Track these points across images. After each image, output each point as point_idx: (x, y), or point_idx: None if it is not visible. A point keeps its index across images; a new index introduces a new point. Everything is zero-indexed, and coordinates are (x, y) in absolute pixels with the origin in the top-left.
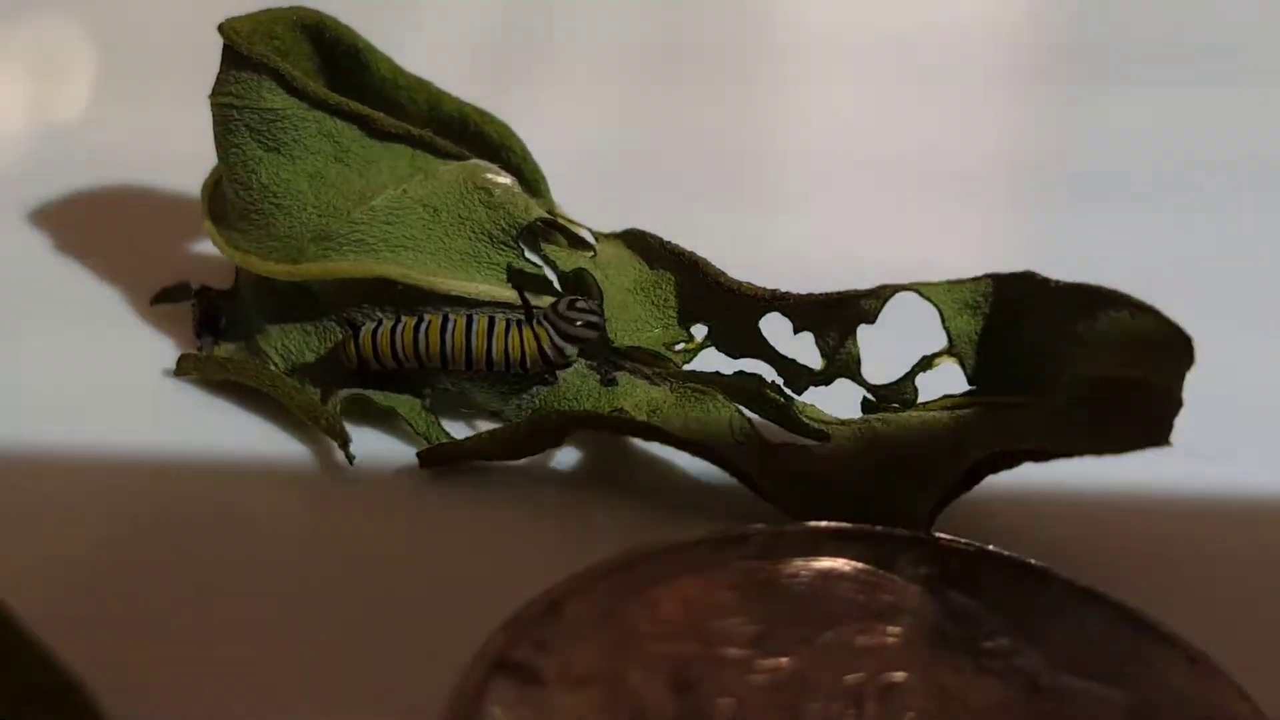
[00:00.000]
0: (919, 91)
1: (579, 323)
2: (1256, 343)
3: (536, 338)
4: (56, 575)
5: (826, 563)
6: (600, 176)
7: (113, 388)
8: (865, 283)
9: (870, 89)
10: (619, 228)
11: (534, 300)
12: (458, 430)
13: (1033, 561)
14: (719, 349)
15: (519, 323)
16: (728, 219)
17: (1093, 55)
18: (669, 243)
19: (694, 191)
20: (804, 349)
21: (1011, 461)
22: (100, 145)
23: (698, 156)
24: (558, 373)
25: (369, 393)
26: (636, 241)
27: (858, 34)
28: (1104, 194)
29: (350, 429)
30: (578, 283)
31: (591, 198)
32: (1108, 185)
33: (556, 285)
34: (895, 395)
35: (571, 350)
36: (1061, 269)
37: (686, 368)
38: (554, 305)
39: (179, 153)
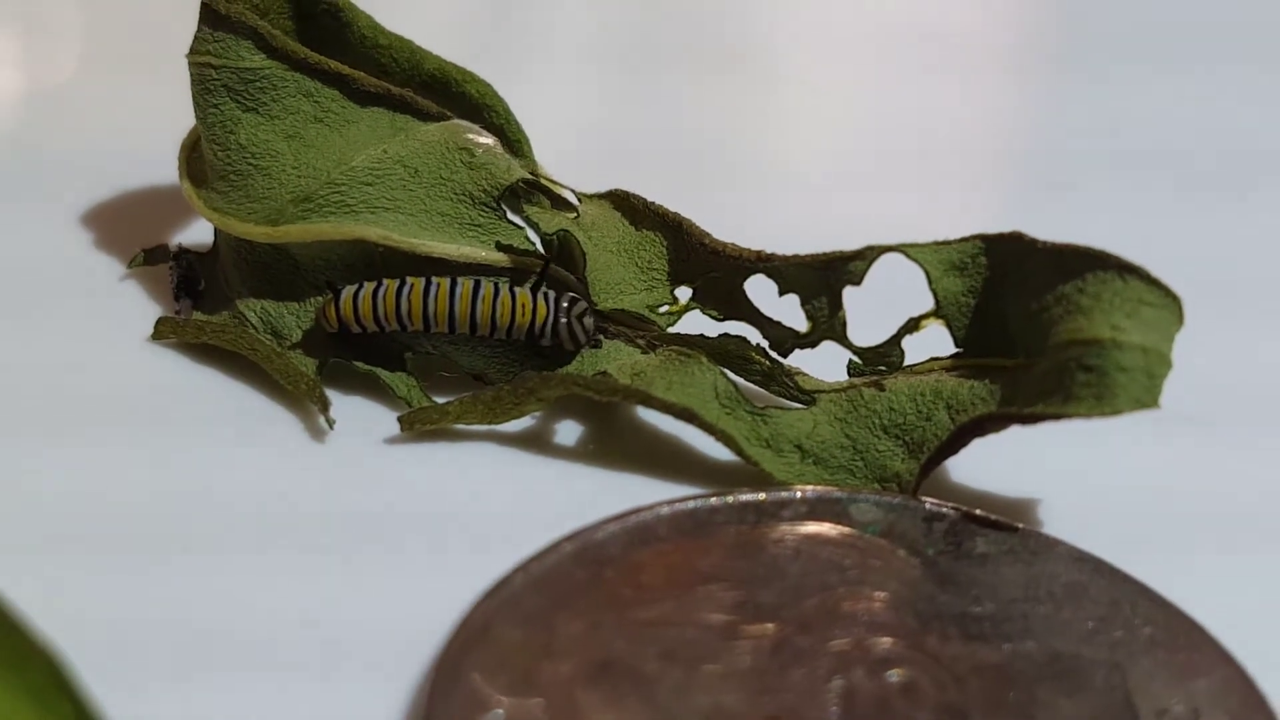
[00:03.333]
0: (908, 72)
1: (579, 332)
2: (1242, 321)
3: (534, 312)
4: (31, 541)
5: (812, 527)
6: (585, 145)
7: (90, 351)
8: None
9: (859, 69)
10: (602, 190)
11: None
12: (441, 396)
13: (1020, 525)
14: (704, 311)
15: (510, 288)
16: (713, 195)
17: (1082, 38)
18: (653, 203)
19: (679, 168)
20: (790, 311)
21: (999, 424)
22: (76, 104)
23: (684, 133)
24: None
25: (349, 357)
26: (621, 202)
27: (846, 13)
28: (1093, 176)
29: (331, 393)
30: (561, 245)
31: (575, 161)
32: (1097, 167)
33: (539, 247)
34: (882, 358)
35: (556, 340)
36: None
37: (671, 330)
38: (570, 300)
39: (156, 113)
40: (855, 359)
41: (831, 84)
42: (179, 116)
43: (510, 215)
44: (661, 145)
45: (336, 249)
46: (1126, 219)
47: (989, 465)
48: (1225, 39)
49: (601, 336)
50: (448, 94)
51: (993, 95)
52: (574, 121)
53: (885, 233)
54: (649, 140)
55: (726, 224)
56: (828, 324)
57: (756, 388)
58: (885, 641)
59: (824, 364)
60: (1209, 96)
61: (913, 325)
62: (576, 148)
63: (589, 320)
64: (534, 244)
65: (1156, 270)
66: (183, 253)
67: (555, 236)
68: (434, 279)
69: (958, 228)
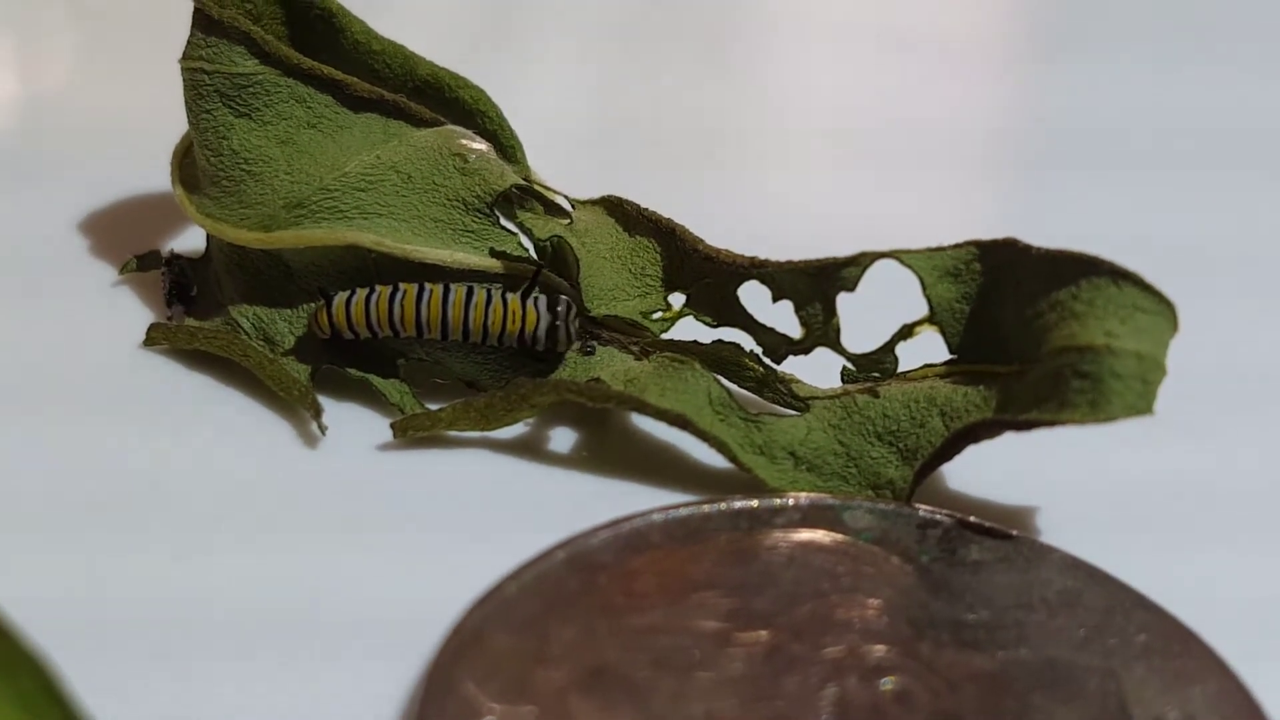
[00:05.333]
0: (900, 61)
1: (566, 333)
2: (1239, 313)
3: (524, 319)
4: (25, 543)
5: (806, 534)
6: (578, 146)
7: (82, 357)
8: (845, 251)
9: (851, 59)
10: (596, 196)
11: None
12: (433, 402)
13: (1015, 532)
14: (697, 318)
15: (503, 294)
16: (706, 189)
17: (1074, 26)
18: (646, 210)
19: (672, 161)
20: (783, 318)
21: (993, 431)
22: (68, 110)
23: (676, 127)
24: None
25: (342, 364)
26: (614, 208)
27: (840, 3)
28: (1086, 165)
29: (323, 399)
30: (555, 251)
31: (568, 167)
32: (1090, 156)
33: (532, 253)
34: (875, 364)
35: (549, 343)
36: (1044, 240)
37: (664, 337)
38: (564, 301)
39: (149, 119)
40: (849, 365)
41: (823, 76)
42: (172, 122)
43: (503, 221)
44: (655, 151)
45: (329, 255)
46: (1120, 214)
47: (983, 472)
48: (1218, 29)
49: (595, 343)
50: (441, 100)
51: (988, 90)
52: (567, 127)
53: (879, 228)
54: (643, 145)
55: (719, 226)
56: (821, 330)
57: (750, 394)
58: (879, 649)
59: (818, 370)
60: (1203, 89)
61: (906, 331)
62: (570, 153)
63: (574, 319)
64: (527, 250)
65: (1148, 266)
66: (175, 259)
67: (548, 242)
68: (427, 285)
69: (952, 222)
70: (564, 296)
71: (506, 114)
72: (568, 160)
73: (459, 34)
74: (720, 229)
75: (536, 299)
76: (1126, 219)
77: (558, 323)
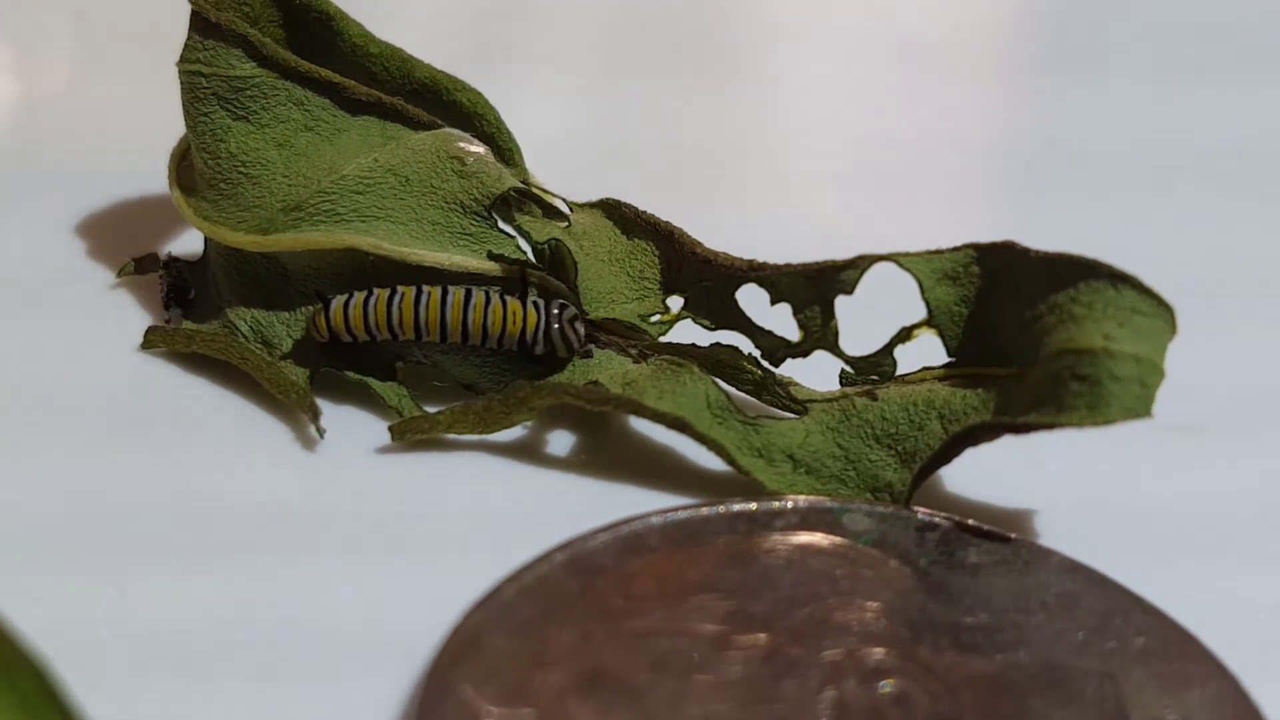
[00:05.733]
0: (899, 76)
1: (571, 337)
2: (1238, 321)
3: (524, 320)
4: (21, 548)
5: (804, 537)
6: (576, 154)
7: (80, 360)
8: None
9: (851, 73)
10: (594, 199)
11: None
12: (432, 405)
13: (1013, 535)
14: (695, 321)
15: (501, 296)
16: (704, 199)
17: (1076, 41)
18: (645, 212)
19: (670, 176)
20: (782, 321)
21: (991, 434)
22: (66, 113)
23: (675, 137)
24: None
25: (340, 367)
26: (612, 211)
27: (839, 16)
28: (1086, 180)
29: (321, 402)
30: (553, 254)
31: (566, 172)
32: (1090, 171)
33: (530, 256)
34: (874, 367)
35: (548, 345)
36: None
37: (662, 340)
38: (560, 305)
39: (147, 121)
40: (847, 368)
41: (822, 90)
42: (169, 125)
43: (501, 224)
44: (653, 153)
45: (327, 258)
46: (1117, 223)
47: (982, 475)
48: (1221, 46)
49: (593, 346)
50: (439, 102)
51: (983, 100)
52: (565, 130)
53: (877, 237)
54: (640, 149)
55: (717, 230)
56: (820, 333)
57: (748, 397)
58: (877, 652)
59: (816, 373)
60: (1204, 106)
61: (905, 335)
62: (568, 156)
63: (579, 326)
64: (525, 253)
65: (1146, 274)
66: (173, 261)
67: (546, 245)
68: (425, 288)
69: (950, 231)
70: (567, 303)
71: (503, 117)
72: (565, 166)
73: (457, 37)
74: (717, 242)
75: (536, 300)
76: (1126, 234)
77: (558, 326)
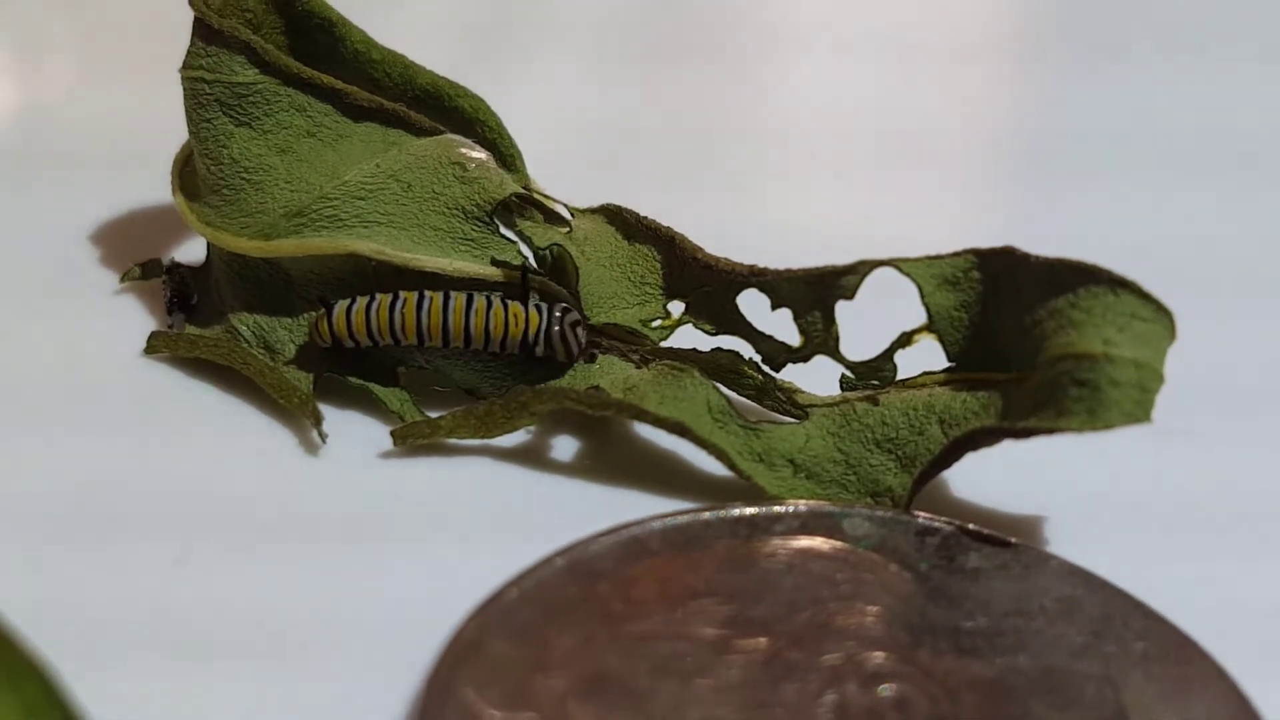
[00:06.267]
0: (900, 69)
1: (571, 341)
2: (1239, 320)
3: (528, 322)
4: (27, 549)
5: (805, 542)
6: (576, 156)
7: (84, 365)
8: (845, 259)
9: (851, 67)
10: (596, 204)
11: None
12: (433, 410)
13: (1013, 540)
14: (696, 326)
15: (503, 300)
16: (706, 197)
17: (1076, 33)
18: (646, 218)
19: (672, 170)
20: (782, 326)
21: (992, 439)
22: (69, 119)
23: (676, 135)
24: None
25: (342, 372)
26: (614, 217)
27: (838, 10)
28: (1087, 172)
29: (323, 407)
30: (554, 259)
31: (567, 177)
32: (1090, 163)
33: (532, 261)
34: (874, 372)
35: (550, 350)
36: (1043, 248)
37: (663, 345)
38: (563, 309)
39: (150, 127)
40: (848, 373)
41: (824, 87)
42: (172, 131)
43: (503, 230)
44: (654, 158)
45: (329, 263)
46: (1121, 221)
47: (982, 480)
48: (1220, 35)
49: (595, 351)
50: (440, 109)
51: (987, 98)
52: (567, 136)
53: (880, 228)
54: (640, 151)
55: (718, 236)
56: (820, 338)
57: (749, 402)
58: (878, 656)
59: (817, 378)
60: (1204, 96)
61: (905, 340)
62: (568, 159)
63: (581, 330)
64: (527, 258)
65: (1148, 272)
66: (176, 267)
67: (548, 251)
68: (427, 293)
69: (952, 230)
70: (569, 306)
71: (505, 122)
72: (566, 171)
73: (458, 43)
74: (719, 239)
75: (538, 304)
76: (1127, 226)
77: (559, 328)
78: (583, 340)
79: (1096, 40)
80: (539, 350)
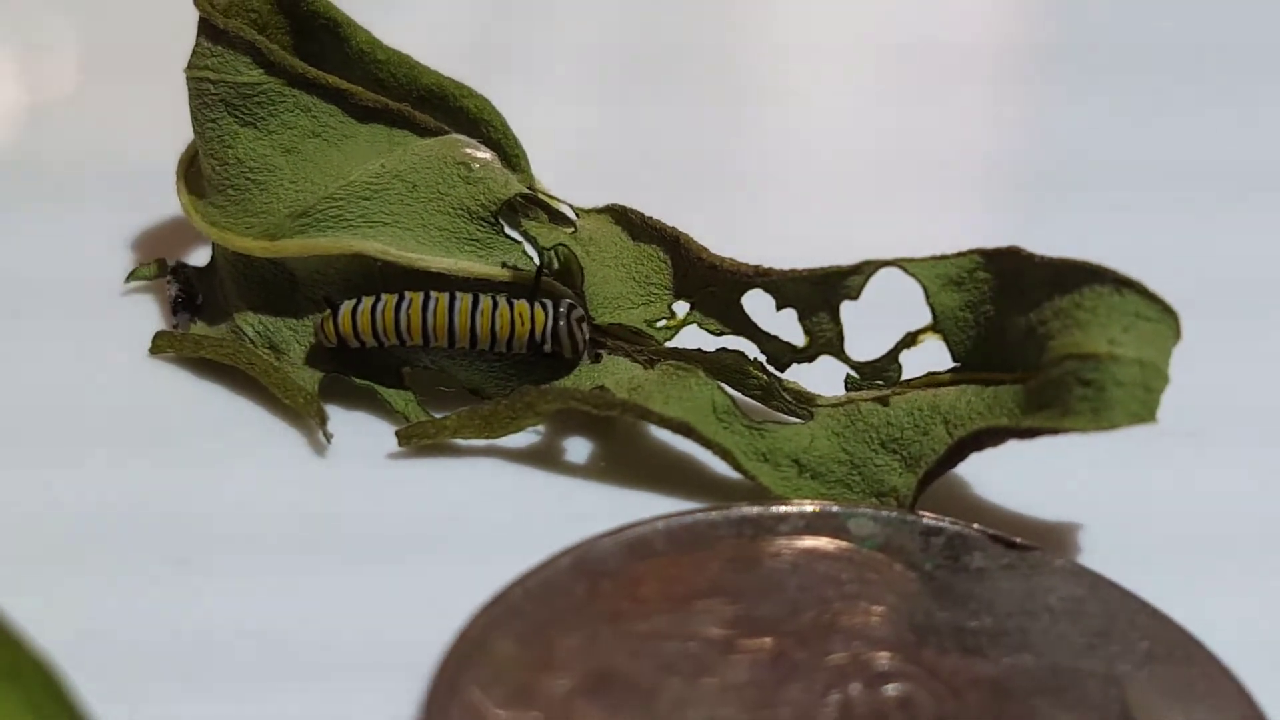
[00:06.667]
0: (904, 89)
1: (577, 335)
2: (1243, 326)
3: (533, 319)
4: (31, 554)
5: (810, 541)
6: (582, 160)
7: (89, 366)
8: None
9: (855, 86)
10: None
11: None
12: (439, 411)
13: (1018, 540)
14: (701, 326)
15: (508, 300)
16: (710, 210)
17: (1077, 54)
18: (651, 218)
19: (676, 181)
20: (787, 326)
21: (996, 439)
22: (74, 119)
23: (681, 146)
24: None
25: (347, 372)
26: (619, 217)
27: (845, 25)
28: (1090, 188)
29: (329, 407)
30: (563, 264)
31: (572, 180)
32: (1093, 179)
33: (536, 261)
34: (879, 372)
35: (557, 346)
36: None
37: (668, 345)
38: (568, 305)
39: (155, 127)
40: (853, 374)
41: (827, 96)
42: (177, 131)
43: (508, 230)
44: (658, 159)
45: (334, 264)
46: (1121, 228)
47: (986, 480)
48: (1221, 54)
49: (600, 350)
50: (445, 109)
51: (987, 107)
52: (572, 136)
53: (882, 244)
54: (646, 154)
55: (724, 236)
56: (825, 339)
57: (754, 402)
58: (883, 655)
59: (822, 379)
60: (1204, 113)
61: (910, 340)
62: (574, 162)
63: (585, 326)
64: (532, 259)
65: (1151, 281)
66: (181, 267)
67: (553, 251)
68: (432, 293)
69: (955, 237)
70: (574, 303)
71: (510, 123)
72: (571, 170)
73: (463, 43)
74: (723, 243)
75: (543, 301)
76: (1130, 238)
77: (565, 323)
78: (586, 336)
79: (1100, 59)
80: (547, 347)
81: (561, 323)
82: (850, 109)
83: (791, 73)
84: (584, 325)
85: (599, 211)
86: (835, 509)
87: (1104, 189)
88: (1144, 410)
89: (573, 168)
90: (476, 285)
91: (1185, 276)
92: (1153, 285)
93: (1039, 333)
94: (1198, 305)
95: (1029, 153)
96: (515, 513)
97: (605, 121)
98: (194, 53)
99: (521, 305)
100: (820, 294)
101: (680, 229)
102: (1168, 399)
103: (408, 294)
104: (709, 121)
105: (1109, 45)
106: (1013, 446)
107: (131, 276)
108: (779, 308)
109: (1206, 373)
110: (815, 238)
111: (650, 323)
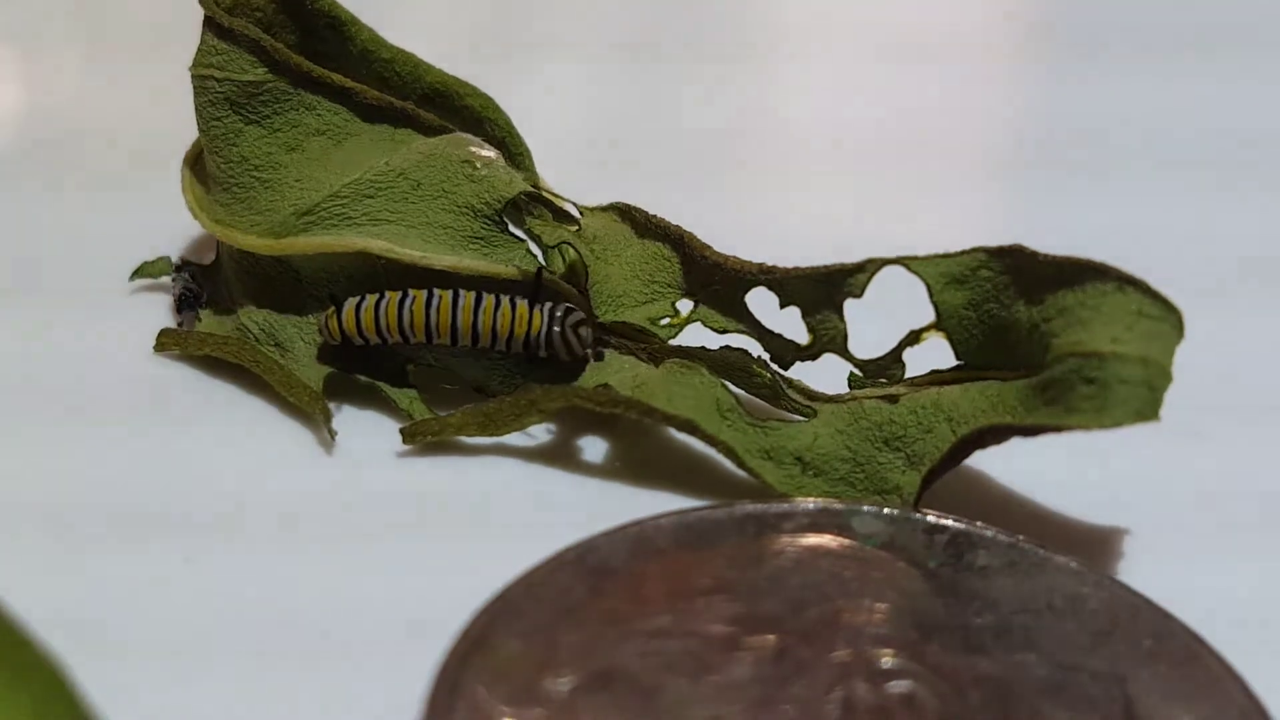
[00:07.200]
0: (906, 70)
1: (574, 343)
2: (1247, 317)
3: (530, 321)
4: (37, 547)
5: (813, 539)
6: (586, 158)
7: (93, 363)
8: (852, 258)
9: (857, 68)
10: (604, 203)
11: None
12: (443, 408)
13: (1021, 538)
14: (705, 324)
15: (511, 299)
16: (714, 198)
17: (1081, 32)
18: (655, 216)
19: (680, 170)
20: (791, 324)
21: (1000, 437)
22: (78, 116)
23: (683, 138)
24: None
25: (352, 370)
26: (623, 215)
27: (848, 13)
28: (1093, 173)
29: (333, 404)
30: (567, 263)
31: (576, 177)
32: (1100, 162)
33: (541, 259)
34: (882, 370)
35: (550, 352)
36: (1053, 245)
37: (672, 343)
38: (565, 310)
39: (159, 125)
40: (856, 371)
41: (831, 86)
42: (183, 129)
43: (512, 228)
44: (662, 158)
45: (339, 261)
46: (1129, 216)
47: (989, 478)
48: (1225, 32)
49: (604, 349)
50: (449, 107)
51: (996, 98)
52: (576, 134)
53: (887, 238)
54: (650, 153)
55: (730, 226)
56: (829, 336)
57: (757, 400)
58: (886, 653)
59: (825, 376)
60: (1210, 93)
61: (914, 338)
62: (577, 156)
63: (585, 330)
64: (536, 257)
65: (1155, 269)
66: (186, 265)
67: (557, 249)
68: (436, 291)
69: (961, 230)
70: (573, 307)
71: (514, 121)
72: (575, 166)
73: (467, 42)
74: (728, 238)
75: (543, 304)
76: (1137, 227)
77: (560, 329)
78: (586, 340)
79: (1100, 41)
80: (540, 354)
81: (556, 329)
82: (856, 94)
83: (795, 60)
84: (583, 330)
85: (603, 209)
86: (839, 506)
87: (1113, 172)
88: (1147, 408)
89: (577, 165)
90: (480, 283)
91: (1192, 261)
92: (1164, 266)
93: (1042, 330)
94: (1205, 296)
95: (1039, 134)
96: (519, 510)
97: (608, 120)
98: (199, 51)
99: (522, 306)
100: (824, 292)
101: (683, 226)
102: (1173, 395)
103: (411, 291)
104: (712, 113)
105: (1116, 24)
106: (1016, 444)
107: (136, 274)
108: (783, 305)
109: (1213, 365)
110: (821, 224)
111: (654, 320)
